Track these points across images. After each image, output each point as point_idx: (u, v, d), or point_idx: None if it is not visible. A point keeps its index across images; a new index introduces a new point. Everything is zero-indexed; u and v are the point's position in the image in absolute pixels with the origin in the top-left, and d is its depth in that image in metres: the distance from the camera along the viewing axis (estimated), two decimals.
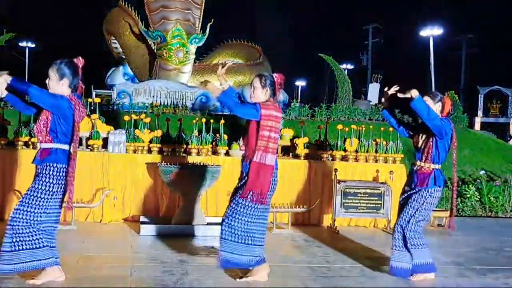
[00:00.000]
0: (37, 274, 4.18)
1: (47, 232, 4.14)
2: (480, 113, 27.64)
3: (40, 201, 4.03)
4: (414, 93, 4.49)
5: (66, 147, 4.10)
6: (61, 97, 4.03)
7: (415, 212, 4.72)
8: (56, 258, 4.20)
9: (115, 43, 14.51)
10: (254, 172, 4.39)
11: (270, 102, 4.46)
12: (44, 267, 4.13)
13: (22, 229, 4.01)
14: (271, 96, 4.50)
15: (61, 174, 4.07)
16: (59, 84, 4.08)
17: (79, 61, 4.20)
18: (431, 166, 4.69)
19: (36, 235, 4.04)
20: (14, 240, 4.00)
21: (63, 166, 4.07)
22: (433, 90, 22.87)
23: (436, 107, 4.68)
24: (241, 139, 7.31)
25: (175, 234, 6.14)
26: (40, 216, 4.05)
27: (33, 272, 4.15)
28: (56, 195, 4.09)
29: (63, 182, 4.09)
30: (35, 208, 4.02)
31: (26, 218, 4.00)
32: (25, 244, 4.01)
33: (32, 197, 4.02)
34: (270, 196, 4.50)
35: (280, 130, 4.62)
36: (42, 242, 4.07)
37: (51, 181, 4.04)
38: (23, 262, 4.02)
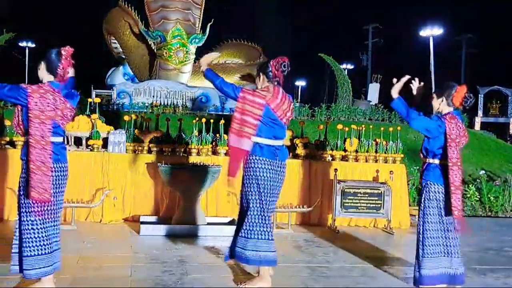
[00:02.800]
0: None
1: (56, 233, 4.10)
2: (480, 113, 27.62)
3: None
4: (394, 94, 4.44)
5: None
6: (16, 86, 3.97)
7: (422, 213, 4.51)
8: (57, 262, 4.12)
9: (115, 43, 14.54)
10: (235, 157, 4.44)
11: (260, 89, 4.43)
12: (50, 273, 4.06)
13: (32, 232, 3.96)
14: (269, 82, 4.44)
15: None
16: (39, 68, 4.11)
17: (65, 50, 4.12)
18: (426, 160, 4.55)
19: (42, 240, 3.97)
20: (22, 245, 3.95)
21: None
22: (433, 90, 22.81)
23: (438, 102, 4.50)
24: None
25: (175, 234, 6.14)
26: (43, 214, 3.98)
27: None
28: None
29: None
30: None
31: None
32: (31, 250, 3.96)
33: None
34: (252, 184, 4.40)
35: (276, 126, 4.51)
36: (51, 247, 4.02)
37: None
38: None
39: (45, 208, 3.99)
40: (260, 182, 4.38)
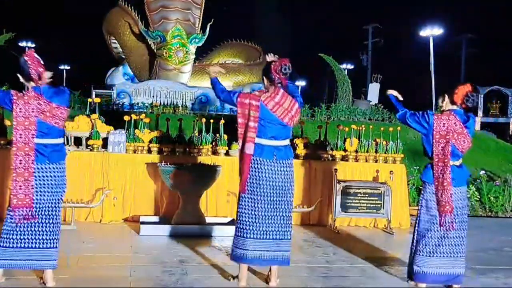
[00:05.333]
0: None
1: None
2: (480, 113, 27.58)
3: None
4: (389, 91, 4.80)
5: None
6: (6, 92, 4.18)
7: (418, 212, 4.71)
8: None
9: (115, 43, 14.52)
10: (240, 160, 4.53)
11: (257, 91, 4.54)
12: None
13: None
14: (271, 84, 4.48)
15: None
16: (20, 79, 4.25)
17: (27, 54, 4.22)
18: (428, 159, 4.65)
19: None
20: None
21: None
22: (433, 90, 22.81)
23: (442, 100, 4.60)
24: None
25: (175, 234, 6.14)
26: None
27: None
28: None
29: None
30: None
31: None
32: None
33: None
34: (253, 185, 4.45)
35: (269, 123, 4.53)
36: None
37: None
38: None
39: (25, 212, 4.11)
40: (256, 182, 4.45)
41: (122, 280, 4.47)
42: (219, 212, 7.07)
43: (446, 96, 4.56)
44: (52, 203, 4.21)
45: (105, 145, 7.17)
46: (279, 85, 4.47)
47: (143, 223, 6.48)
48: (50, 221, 4.19)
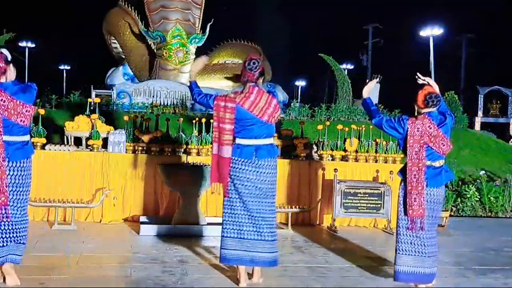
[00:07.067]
0: None
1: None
2: (480, 113, 27.54)
3: None
4: (364, 94, 4.85)
5: None
6: None
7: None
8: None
9: (115, 43, 14.52)
10: (214, 165, 4.49)
11: (232, 94, 4.50)
12: None
13: None
14: (245, 83, 4.48)
15: None
16: None
17: None
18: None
19: None
20: None
21: None
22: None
23: (416, 109, 4.64)
24: None
25: (175, 234, 6.14)
26: None
27: None
28: None
29: None
30: None
31: None
32: None
33: None
34: (231, 186, 4.47)
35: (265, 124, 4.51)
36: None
37: None
38: None
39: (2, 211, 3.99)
40: (236, 182, 4.44)
41: (122, 280, 4.48)
42: (219, 212, 7.03)
43: (414, 105, 4.62)
44: (14, 202, 4.09)
45: (105, 145, 7.17)
46: (252, 83, 4.44)
47: (143, 223, 6.48)
48: (15, 219, 4.09)
